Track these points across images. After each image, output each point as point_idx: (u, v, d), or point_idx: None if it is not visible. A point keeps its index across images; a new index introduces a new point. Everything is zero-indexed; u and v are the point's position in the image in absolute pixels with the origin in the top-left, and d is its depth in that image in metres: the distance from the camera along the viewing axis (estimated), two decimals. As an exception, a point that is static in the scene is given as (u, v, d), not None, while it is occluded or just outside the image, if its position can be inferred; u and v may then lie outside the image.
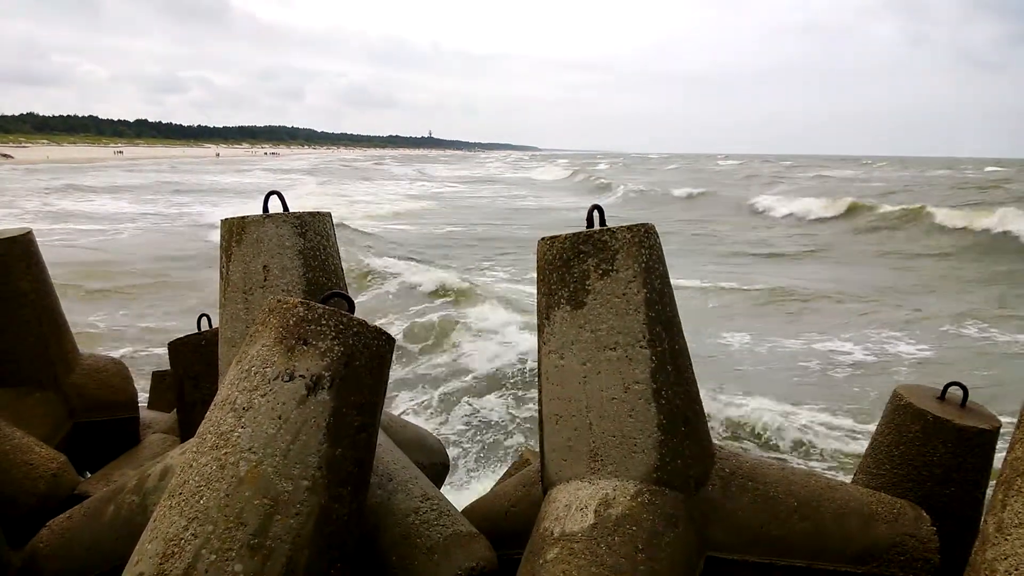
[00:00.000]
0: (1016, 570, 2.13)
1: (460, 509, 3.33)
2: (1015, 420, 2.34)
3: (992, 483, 2.53)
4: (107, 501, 3.25)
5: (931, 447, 3.15)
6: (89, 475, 4.37)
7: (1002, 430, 3.21)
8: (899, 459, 3.22)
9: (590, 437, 2.81)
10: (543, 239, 2.94)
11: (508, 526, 3.22)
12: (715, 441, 3.09)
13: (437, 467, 4.09)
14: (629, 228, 2.83)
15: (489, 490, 3.97)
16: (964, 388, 3.30)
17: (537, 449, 3.21)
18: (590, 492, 2.76)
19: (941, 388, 3.35)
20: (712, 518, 2.84)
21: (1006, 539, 2.17)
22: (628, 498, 2.72)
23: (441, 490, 3.65)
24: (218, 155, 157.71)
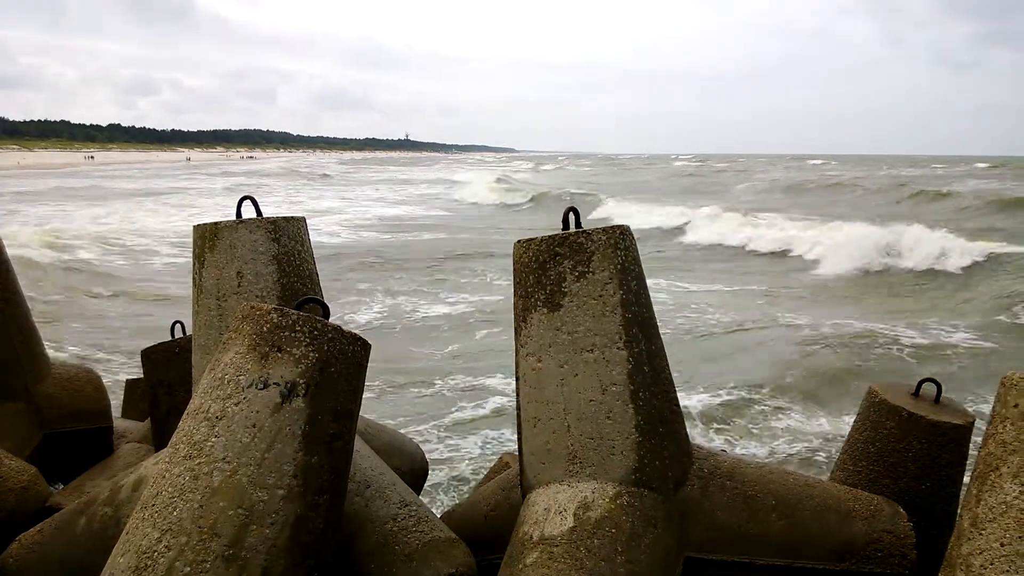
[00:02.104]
0: (991, 564, 2.15)
1: (439, 514, 3.31)
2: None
3: (967, 478, 2.55)
4: (79, 513, 3.19)
5: (906, 443, 3.17)
6: (61, 487, 4.29)
7: (976, 425, 3.24)
8: (875, 456, 3.25)
9: (568, 440, 2.80)
10: (519, 241, 2.93)
11: (487, 531, 3.21)
12: (692, 441, 3.09)
13: (416, 472, 4.07)
14: (604, 230, 2.83)
15: (468, 495, 3.95)
16: (938, 384, 3.33)
17: (516, 453, 3.19)
18: (569, 495, 2.75)
19: (915, 384, 3.38)
20: (691, 518, 2.84)
21: (981, 534, 2.19)
22: (607, 500, 2.71)
23: (420, 495, 3.63)
24: (188, 159, 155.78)
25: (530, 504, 2.84)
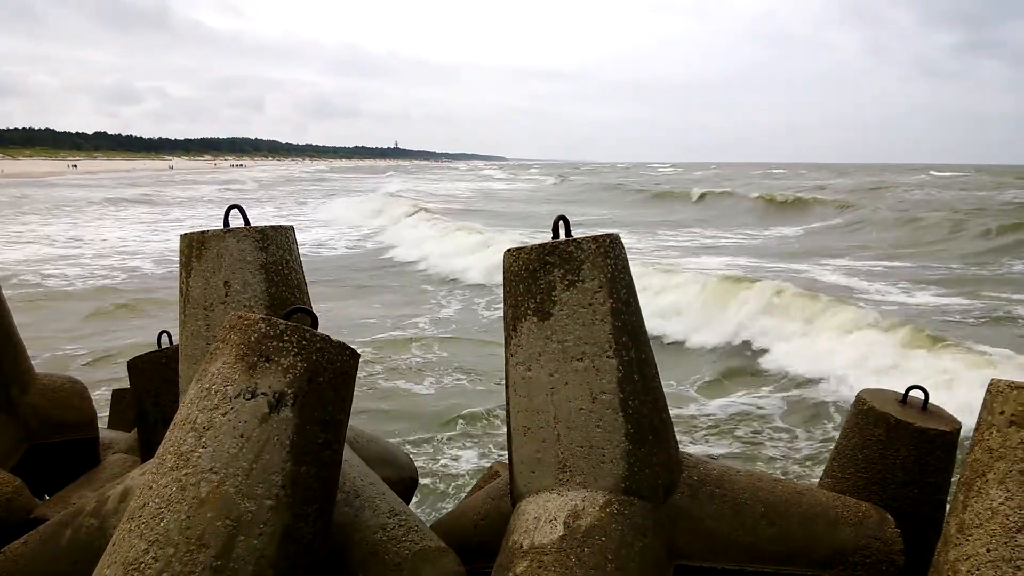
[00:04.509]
0: (978, 570, 2.16)
1: (429, 524, 3.30)
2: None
3: (954, 485, 2.57)
4: (65, 525, 3.17)
5: (894, 450, 3.19)
6: (47, 498, 4.26)
7: (963, 432, 3.27)
8: (863, 463, 3.26)
9: (558, 448, 2.81)
10: (509, 250, 2.94)
11: (477, 540, 3.20)
12: (682, 449, 3.10)
13: (405, 482, 4.06)
14: (594, 239, 2.84)
15: (458, 504, 3.94)
16: (925, 391, 3.35)
17: (506, 461, 3.19)
18: (559, 504, 2.75)
19: (903, 392, 3.40)
20: (681, 526, 2.84)
21: (967, 540, 2.21)
22: (597, 509, 2.71)
23: (410, 505, 3.62)
24: (171, 167, 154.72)
25: (520, 513, 2.84)
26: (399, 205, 43.01)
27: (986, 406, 2.32)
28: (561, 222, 2.93)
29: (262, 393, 2.36)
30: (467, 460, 7.95)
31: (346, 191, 69.09)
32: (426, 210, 38.59)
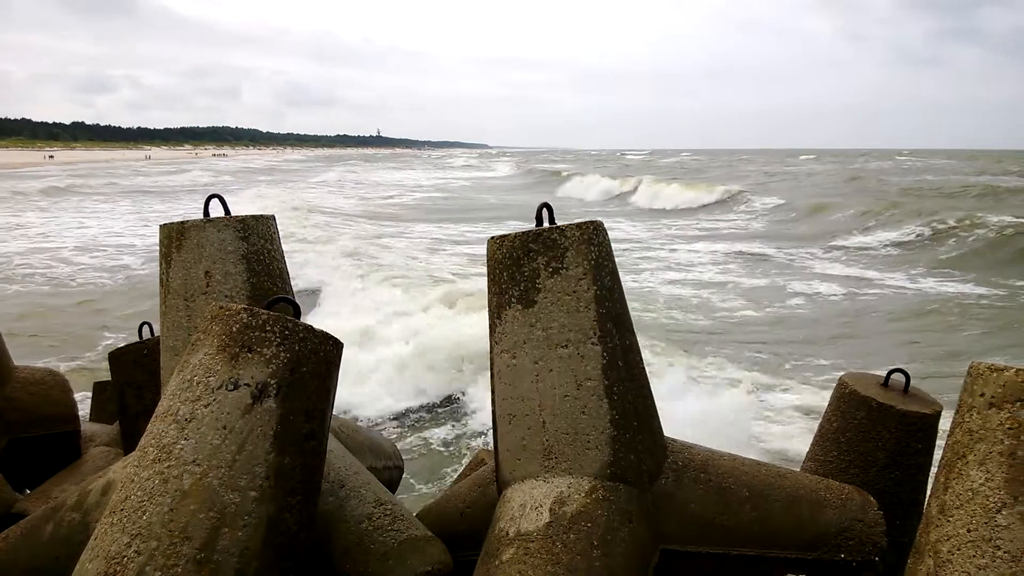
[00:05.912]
0: (958, 550, 2.18)
1: (415, 513, 3.30)
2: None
3: (935, 466, 2.59)
4: (46, 519, 3.14)
5: (875, 433, 3.22)
6: (28, 492, 4.22)
7: (943, 414, 3.30)
8: (845, 446, 3.29)
9: (543, 435, 2.81)
10: (492, 238, 2.92)
11: (463, 528, 3.20)
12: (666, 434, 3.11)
13: (391, 471, 4.05)
14: (578, 226, 2.83)
15: (444, 492, 3.94)
16: (906, 374, 3.38)
17: (491, 449, 3.19)
18: (545, 490, 2.76)
19: (884, 375, 3.43)
20: (666, 511, 2.85)
21: (948, 520, 2.23)
22: (582, 495, 2.72)
23: (395, 494, 3.61)
24: (148, 157, 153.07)
25: (506, 500, 2.84)
26: (298, 199, 43.68)
27: (966, 388, 2.33)
28: (545, 209, 2.92)
29: (245, 384, 2.35)
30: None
31: (277, 183, 68.31)
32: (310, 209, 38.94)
